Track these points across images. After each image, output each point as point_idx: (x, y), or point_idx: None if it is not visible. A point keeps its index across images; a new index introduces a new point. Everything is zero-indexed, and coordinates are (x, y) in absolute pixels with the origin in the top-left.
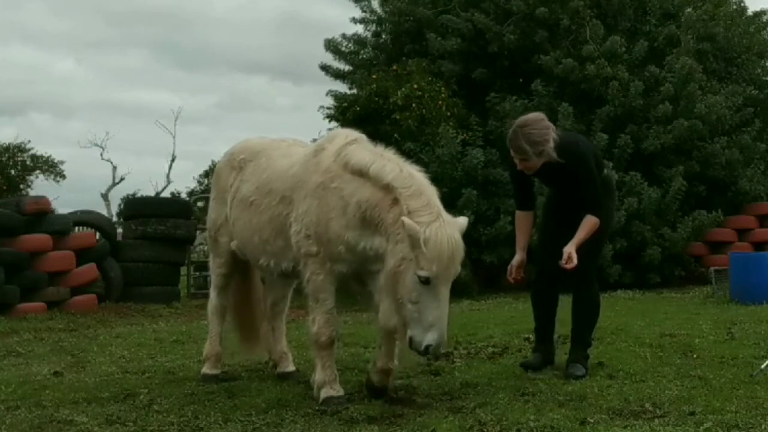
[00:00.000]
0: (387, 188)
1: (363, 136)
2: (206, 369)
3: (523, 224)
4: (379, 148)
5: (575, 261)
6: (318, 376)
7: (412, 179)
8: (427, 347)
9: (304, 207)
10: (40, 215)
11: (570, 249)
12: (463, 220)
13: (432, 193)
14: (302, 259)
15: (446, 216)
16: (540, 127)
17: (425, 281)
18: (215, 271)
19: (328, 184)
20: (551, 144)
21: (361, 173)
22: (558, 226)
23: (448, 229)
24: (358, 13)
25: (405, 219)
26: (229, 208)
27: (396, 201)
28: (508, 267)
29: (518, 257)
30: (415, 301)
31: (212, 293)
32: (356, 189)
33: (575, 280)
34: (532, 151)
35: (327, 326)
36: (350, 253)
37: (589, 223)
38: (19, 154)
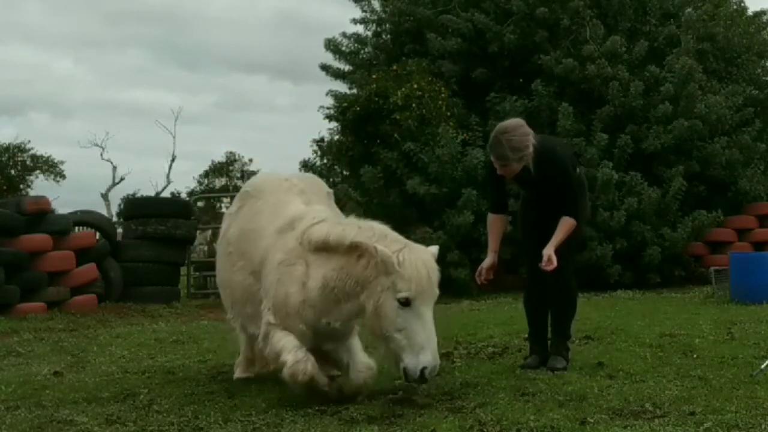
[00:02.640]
0: (351, 248)
1: (328, 216)
2: (238, 373)
3: (495, 227)
4: (342, 219)
5: (555, 263)
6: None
7: (372, 229)
8: (423, 371)
9: (267, 284)
10: (40, 215)
11: (549, 251)
12: (433, 248)
13: (397, 234)
14: (263, 326)
15: (416, 245)
16: (520, 134)
17: (406, 302)
18: None
19: (290, 262)
20: (531, 150)
21: (324, 245)
22: (536, 228)
23: (420, 253)
24: (358, 13)
25: (377, 246)
26: (221, 236)
27: (361, 255)
28: (478, 269)
29: (489, 260)
30: (401, 327)
31: None
32: (321, 264)
33: (553, 274)
34: (512, 157)
35: (302, 362)
36: (310, 330)
37: (566, 225)
38: (19, 154)
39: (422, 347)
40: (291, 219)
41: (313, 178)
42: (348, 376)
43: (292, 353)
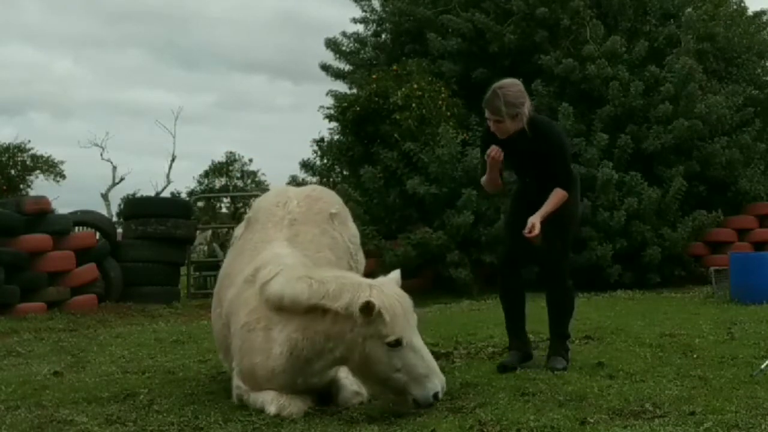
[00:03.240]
0: (309, 309)
1: (292, 262)
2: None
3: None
4: (300, 266)
5: (537, 231)
6: None
7: (324, 285)
8: (435, 395)
9: (233, 346)
10: (40, 215)
11: (535, 219)
12: (394, 274)
13: (351, 276)
14: (234, 388)
15: (379, 280)
16: (516, 90)
17: (396, 344)
18: None
19: (250, 327)
20: (525, 110)
21: (280, 306)
22: (527, 209)
23: (388, 289)
24: (358, 13)
25: (362, 303)
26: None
27: (326, 310)
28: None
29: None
30: (399, 368)
31: None
32: (284, 325)
33: (548, 273)
34: (506, 112)
35: (287, 408)
36: (287, 390)
37: (557, 196)
38: (19, 154)
39: (426, 375)
40: (257, 267)
41: (319, 196)
42: (336, 404)
43: (274, 404)
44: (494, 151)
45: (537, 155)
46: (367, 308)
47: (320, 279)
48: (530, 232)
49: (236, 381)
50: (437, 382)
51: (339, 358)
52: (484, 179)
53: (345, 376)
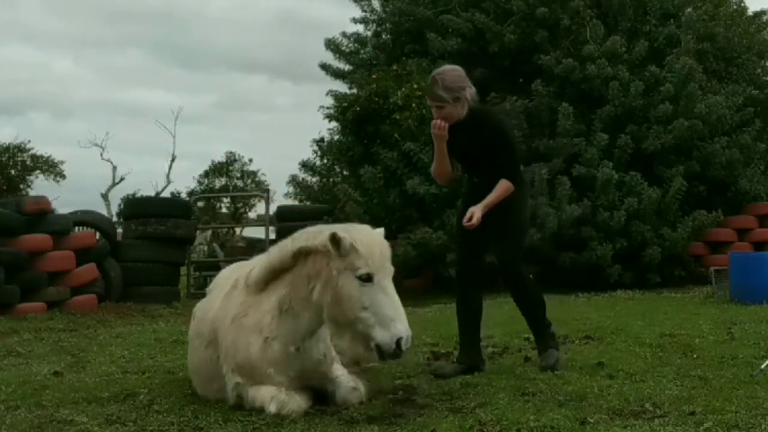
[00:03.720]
0: (294, 258)
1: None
2: None
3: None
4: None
5: (475, 221)
6: None
7: (304, 233)
8: (398, 342)
9: (226, 345)
10: (40, 215)
11: (475, 208)
12: (379, 229)
13: (331, 224)
14: (231, 390)
15: (361, 226)
16: (454, 75)
17: (368, 278)
18: None
19: (243, 314)
20: (468, 95)
21: (269, 273)
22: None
23: (368, 230)
24: (358, 13)
25: (329, 234)
26: None
27: (306, 255)
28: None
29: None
30: (366, 305)
31: None
32: (272, 293)
33: (504, 277)
34: (446, 97)
35: (286, 405)
36: (282, 373)
37: (502, 186)
38: (19, 154)
39: (392, 319)
40: (236, 279)
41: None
42: (335, 403)
43: (274, 402)
44: (439, 120)
45: (483, 148)
46: (334, 239)
47: (296, 236)
48: (469, 221)
49: (233, 379)
50: (402, 328)
51: (318, 301)
52: (433, 168)
53: (342, 373)
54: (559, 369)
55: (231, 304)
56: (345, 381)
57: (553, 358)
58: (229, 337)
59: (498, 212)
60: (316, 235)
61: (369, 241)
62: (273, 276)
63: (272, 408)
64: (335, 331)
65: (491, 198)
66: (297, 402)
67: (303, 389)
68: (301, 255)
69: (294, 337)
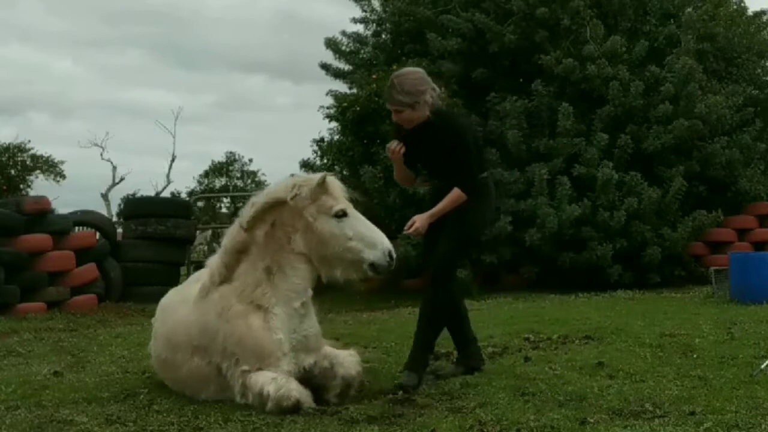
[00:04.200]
0: (267, 211)
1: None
2: None
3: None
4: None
5: (417, 228)
6: None
7: (248, 205)
8: (390, 254)
9: (221, 340)
10: (40, 215)
11: (418, 217)
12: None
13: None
14: (237, 380)
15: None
16: (414, 78)
17: (343, 214)
18: None
19: (228, 306)
20: (428, 97)
21: (236, 254)
22: (438, 224)
23: (320, 174)
24: (358, 13)
25: (294, 182)
26: None
27: (275, 208)
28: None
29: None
30: (350, 236)
31: None
32: (249, 273)
33: (431, 282)
34: (405, 101)
35: (284, 387)
36: (279, 349)
37: (453, 195)
38: (19, 154)
39: (374, 238)
40: (203, 287)
41: None
42: (336, 374)
43: (272, 384)
44: (394, 143)
45: (442, 151)
46: (324, 181)
47: (248, 205)
48: (408, 227)
49: (238, 369)
50: (386, 242)
51: (302, 250)
52: (395, 174)
53: (334, 349)
54: (409, 393)
55: (208, 307)
56: (340, 352)
57: (411, 382)
58: (222, 332)
59: (451, 219)
60: (279, 189)
61: (331, 181)
62: (237, 259)
63: (270, 388)
64: (326, 268)
65: (439, 207)
66: (296, 386)
67: (303, 386)
68: (264, 219)
69: (292, 296)
